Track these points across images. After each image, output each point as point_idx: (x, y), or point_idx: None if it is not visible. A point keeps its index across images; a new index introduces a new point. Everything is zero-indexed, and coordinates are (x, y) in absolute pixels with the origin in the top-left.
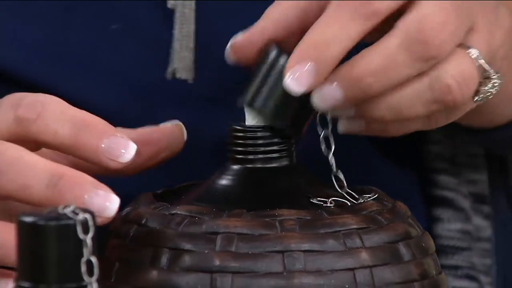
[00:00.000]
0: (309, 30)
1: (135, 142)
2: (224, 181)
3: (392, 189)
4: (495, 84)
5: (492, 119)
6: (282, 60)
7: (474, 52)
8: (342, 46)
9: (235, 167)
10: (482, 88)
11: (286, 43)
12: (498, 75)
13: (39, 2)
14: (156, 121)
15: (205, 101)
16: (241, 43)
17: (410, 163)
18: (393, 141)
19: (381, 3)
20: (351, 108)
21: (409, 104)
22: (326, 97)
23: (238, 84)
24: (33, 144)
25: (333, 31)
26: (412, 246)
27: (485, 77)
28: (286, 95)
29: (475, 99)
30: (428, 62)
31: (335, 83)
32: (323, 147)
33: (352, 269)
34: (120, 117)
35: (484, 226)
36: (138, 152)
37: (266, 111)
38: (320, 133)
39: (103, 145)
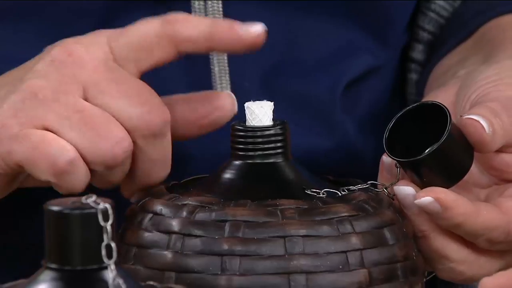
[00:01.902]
0: None
1: (191, 99)
2: (228, 175)
3: None
4: None
5: None
6: None
7: None
8: None
9: (237, 162)
10: None
11: None
12: None
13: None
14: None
15: None
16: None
17: None
18: None
19: None
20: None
21: None
22: (426, 206)
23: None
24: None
25: None
26: (396, 231)
27: None
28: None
29: None
30: None
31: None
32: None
33: (344, 252)
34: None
35: None
36: (194, 109)
37: None
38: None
39: (237, 28)
